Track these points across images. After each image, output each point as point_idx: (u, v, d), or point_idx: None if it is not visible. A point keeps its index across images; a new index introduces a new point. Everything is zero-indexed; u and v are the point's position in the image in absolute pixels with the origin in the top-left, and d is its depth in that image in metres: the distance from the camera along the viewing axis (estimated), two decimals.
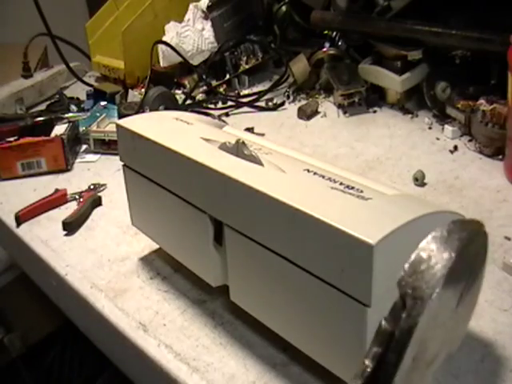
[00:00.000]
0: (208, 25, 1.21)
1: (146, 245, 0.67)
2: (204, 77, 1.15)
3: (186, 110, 1.03)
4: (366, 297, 0.38)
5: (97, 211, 0.77)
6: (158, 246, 0.65)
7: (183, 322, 0.55)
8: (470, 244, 0.32)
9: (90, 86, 1.17)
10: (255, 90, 1.15)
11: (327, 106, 1.05)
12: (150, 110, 0.97)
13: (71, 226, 0.72)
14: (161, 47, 1.16)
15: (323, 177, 0.45)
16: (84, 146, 0.96)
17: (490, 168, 0.80)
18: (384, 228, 0.37)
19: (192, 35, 1.18)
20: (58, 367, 1.07)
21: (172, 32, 1.19)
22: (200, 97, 1.13)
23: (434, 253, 0.31)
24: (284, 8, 1.23)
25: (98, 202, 0.78)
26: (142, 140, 0.55)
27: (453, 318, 0.37)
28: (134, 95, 1.11)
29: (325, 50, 1.10)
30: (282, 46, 1.22)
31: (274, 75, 1.19)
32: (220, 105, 1.10)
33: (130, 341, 0.54)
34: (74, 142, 0.93)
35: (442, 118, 0.93)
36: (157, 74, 1.14)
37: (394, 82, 0.97)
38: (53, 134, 0.89)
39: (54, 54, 1.21)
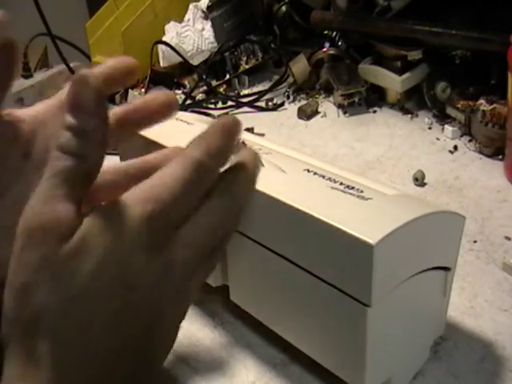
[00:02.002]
0: (208, 25, 1.21)
1: None
2: (204, 77, 1.15)
3: (185, 110, 1.03)
4: (366, 297, 0.38)
5: None
6: None
7: (183, 322, 0.55)
8: None
9: None
10: (255, 89, 1.15)
11: (327, 105, 1.05)
12: None
13: None
14: (161, 47, 1.16)
15: (323, 177, 0.45)
16: None
17: (490, 168, 0.80)
18: (384, 228, 0.37)
19: (192, 35, 1.18)
20: None
21: (172, 32, 1.19)
22: (200, 97, 1.13)
23: None
24: (284, 8, 1.22)
25: None
26: (141, 140, 0.55)
27: None
28: (134, 95, 1.10)
29: (325, 50, 1.10)
30: (282, 46, 1.22)
31: (274, 75, 1.19)
32: (220, 105, 1.10)
33: None
34: None
35: (442, 118, 0.93)
36: (157, 74, 1.14)
37: (394, 82, 0.97)
38: None
39: (54, 54, 1.20)
